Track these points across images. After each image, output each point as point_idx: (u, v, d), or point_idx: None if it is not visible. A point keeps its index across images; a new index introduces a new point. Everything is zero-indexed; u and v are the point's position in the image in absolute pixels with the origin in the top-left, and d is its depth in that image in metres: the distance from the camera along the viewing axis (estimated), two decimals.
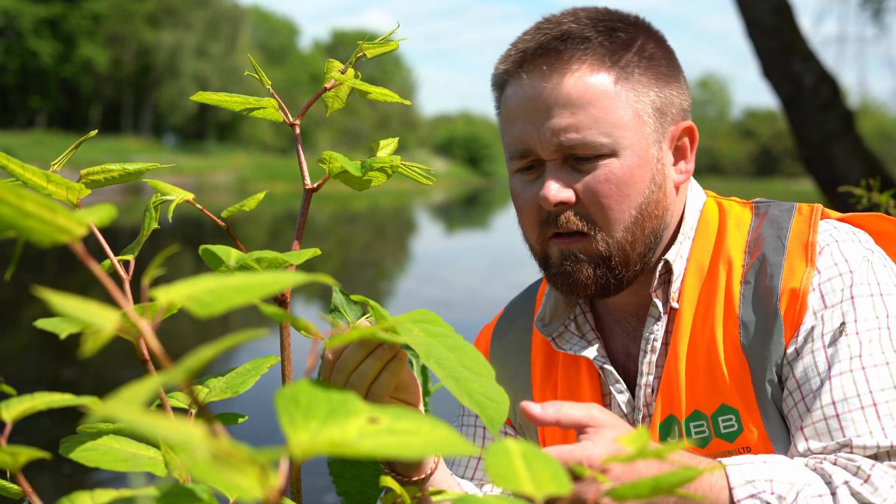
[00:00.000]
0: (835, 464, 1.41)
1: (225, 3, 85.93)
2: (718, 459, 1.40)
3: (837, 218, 1.68)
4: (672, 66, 1.65)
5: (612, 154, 1.56)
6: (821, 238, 1.58)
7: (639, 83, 1.58)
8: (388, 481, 1.24)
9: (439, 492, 1.27)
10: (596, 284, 1.62)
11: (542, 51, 1.58)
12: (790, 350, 1.53)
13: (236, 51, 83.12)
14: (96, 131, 1.38)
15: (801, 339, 1.53)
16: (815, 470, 1.41)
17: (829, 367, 1.49)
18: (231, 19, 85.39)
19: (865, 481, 1.37)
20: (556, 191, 1.57)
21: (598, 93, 1.55)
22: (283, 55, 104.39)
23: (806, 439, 1.48)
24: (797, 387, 1.51)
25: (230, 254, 1.09)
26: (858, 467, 1.39)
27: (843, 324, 1.51)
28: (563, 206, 1.58)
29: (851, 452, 1.43)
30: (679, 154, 1.67)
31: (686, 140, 1.67)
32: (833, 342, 1.50)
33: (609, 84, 1.56)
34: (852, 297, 1.52)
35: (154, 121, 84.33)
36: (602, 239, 1.59)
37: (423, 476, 1.53)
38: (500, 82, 1.66)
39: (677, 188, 1.67)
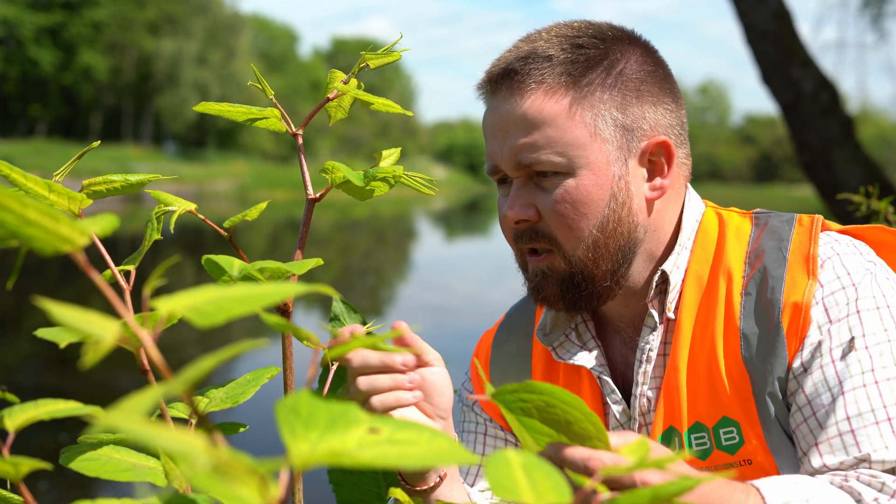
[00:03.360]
0: (858, 480, 1.41)
1: (225, 11, 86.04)
2: (750, 483, 1.39)
3: (838, 230, 1.67)
4: (648, 83, 1.63)
5: (568, 174, 1.57)
6: (822, 251, 1.58)
7: (599, 101, 1.58)
8: (396, 493, 1.24)
9: None
10: (563, 300, 1.65)
11: (504, 73, 1.61)
12: (796, 364, 1.53)
13: (236, 58, 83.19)
14: (99, 142, 1.38)
15: (806, 353, 1.52)
16: (841, 488, 1.41)
17: (841, 383, 1.49)
18: (231, 27, 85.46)
19: (892, 496, 1.38)
20: (516, 210, 1.62)
21: (552, 114, 1.57)
22: (282, 63, 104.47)
23: (821, 455, 1.47)
24: (807, 402, 1.51)
25: (233, 264, 1.09)
26: (883, 483, 1.40)
27: (852, 339, 1.50)
28: (526, 223, 1.62)
29: (870, 468, 1.43)
30: (654, 170, 1.66)
31: (661, 156, 1.65)
32: (843, 357, 1.50)
33: (565, 105, 1.57)
34: (858, 311, 1.52)
35: (154, 129, 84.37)
36: (564, 257, 1.62)
37: (426, 487, 1.54)
38: (480, 97, 1.69)
39: (650, 204, 1.65)
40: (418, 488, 1.54)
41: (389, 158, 1.33)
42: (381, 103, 1.30)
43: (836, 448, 1.46)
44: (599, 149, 1.58)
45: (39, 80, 76.60)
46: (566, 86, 1.58)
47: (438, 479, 1.55)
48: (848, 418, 1.47)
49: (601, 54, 1.61)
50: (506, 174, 1.64)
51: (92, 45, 77.83)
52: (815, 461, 1.48)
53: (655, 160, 1.65)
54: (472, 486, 1.85)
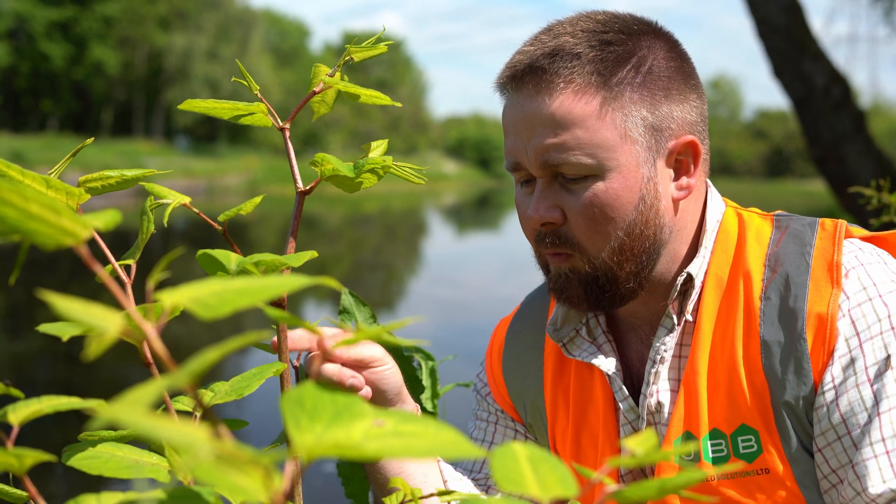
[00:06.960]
0: None
1: (236, 6, 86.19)
2: None
3: (861, 237, 1.64)
4: (675, 79, 1.60)
5: (597, 176, 1.53)
6: (846, 260, 1.55)
7: (630, 101, 1.54)
8: (397, 482, 1.25)
9: (447, 492, 1.27)
10: (588, 302, 1.62)
11: (530, 69, 1.56)
12: (826, 379, 1.50)
13: (248, 53, 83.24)
14: (92, 139, 1.37)
15: (838, 369, 1.50)
16: None
17: (878, 403, 1.47)
18: (242, 22, 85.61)
19: None
20: (542, 212, 1.57)
21: (583, 115, 1.52)
22: (294, 57, 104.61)
23: (858, 477, 1.47)
24: (842, 421, 1.49)
25: (230, 258, 1.08)
26: None
27: (888, 357, 1.48)
28: (551, 225, 1.58)
29: None
30: (681, 169, 1.63)
31: (688, 155, 1.62)
32: (879, 375, 1.48)
33: (595, 106, 1.53)
34: (893, 328, 1.50)
35: (165, 124, 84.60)
36: (588, 261, 1.58)
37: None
38: (499, 92, 1.65)
39: (676, 204, 1.63)
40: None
41: (378, 149, 1.32)
42: (368, 95, 1.28)
43: (871, 470, 1.46)
44: (629, 150, 1.54)
45: (51, 74, 76.89)
46: (596, 86, 1.53)
47: None
48: (883, 440, 1.46)
49: (629, 51, 1.57)
50: (528, 173, 1.60)
51: (103, 40, 78.07)
52: (854, 485, 1.47)
53: (682, 159, 1.61)
54: (479, 471, 1.87)
